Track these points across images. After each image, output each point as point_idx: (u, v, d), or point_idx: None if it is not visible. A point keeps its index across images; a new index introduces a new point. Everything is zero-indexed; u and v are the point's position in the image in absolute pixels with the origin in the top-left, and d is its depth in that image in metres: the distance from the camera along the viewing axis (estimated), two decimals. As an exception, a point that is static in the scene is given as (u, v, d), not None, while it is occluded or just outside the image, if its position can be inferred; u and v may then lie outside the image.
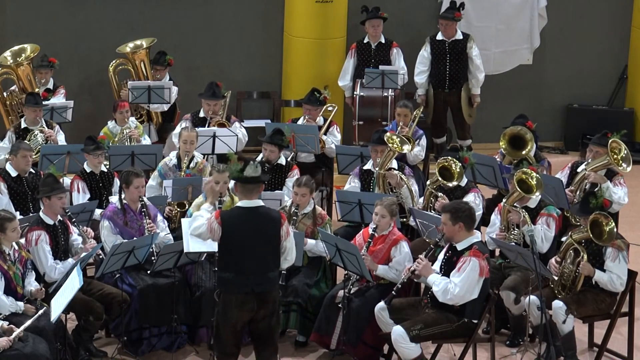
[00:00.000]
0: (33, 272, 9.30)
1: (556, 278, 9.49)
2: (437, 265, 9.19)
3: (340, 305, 9.54)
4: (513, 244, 9.76)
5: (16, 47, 13.35)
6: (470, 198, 10.36)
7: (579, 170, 10.93)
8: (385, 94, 13.66)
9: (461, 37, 13.77)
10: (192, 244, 9.20)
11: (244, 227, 8.33)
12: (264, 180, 8.63)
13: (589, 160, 10.89)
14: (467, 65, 13.82)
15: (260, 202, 8.47)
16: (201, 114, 12.46)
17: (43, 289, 9.17)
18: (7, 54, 13.26)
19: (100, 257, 9.65)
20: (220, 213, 8.42)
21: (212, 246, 8.72)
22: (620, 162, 10.65)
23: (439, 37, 13.81)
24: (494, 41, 14.96)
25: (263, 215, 8.41)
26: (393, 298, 9.27)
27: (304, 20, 14.47)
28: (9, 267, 8.98)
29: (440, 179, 10.47)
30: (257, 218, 8.38)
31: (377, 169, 10.98)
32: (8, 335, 8.48)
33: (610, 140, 10.62)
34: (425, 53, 13.90)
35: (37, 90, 12.94)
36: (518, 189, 9.87)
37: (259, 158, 11.46)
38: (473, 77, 13.87)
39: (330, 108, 12.77)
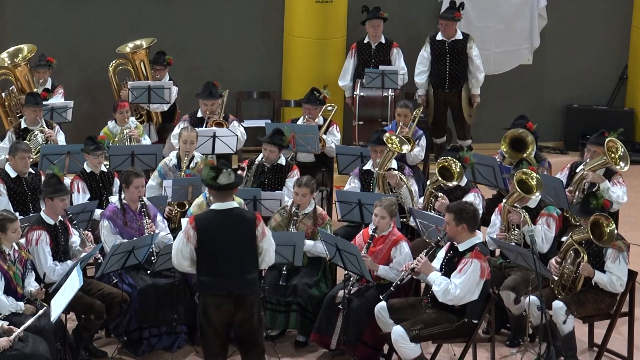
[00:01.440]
0: (33, 272, 9.30)
1: (556, 278, 9.49)
2: (437, 264, 9.19)
3: (340, 306, 9.54)
4: (513, 244, 9.76)
5: (12, 48, 13.34)
6: (470, 198, 10.36)
7: (577, 170, 10.94)
8: (385, 94, 13.66)
9: (461, 37, 13.77)
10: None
11: (218, 230, 8.31)
12: (238, 185, 8.59)
13: (587, 160, 10.90)
14: (467, 65, 13.82)
15: (234, 204, 8.44)
16: (199, 114, 12.45)
17: (43, 289, 9.17)
18: (4, 55, 13.25)
19: (99, 260, 9.65)
20: (195, 217, 8.39)
21: None
22: (618, 160, 10.65)
23: (439, 37, 13.81)
24: (494, 41, 14.96)
25: (236, 216, 8.38)
26: (391, 294, 9.27)
27: (304, 20, 14.47)
28: (9, 267, 8.98)
29: (440, 179, 10.46)
30: (230, 220, 8.35)
31: (376, 169, 10.97)
32: (8, 336, 8.48)
33: (607, 140, 10.62)
34: (425, 53, 13.90)
35: (35, 90, 12.93)
36: (518, 189, 9.87)
37: (259, 158, 11.46)
38: (473, 77, 13.86)
39: (329, 108, 12.77)
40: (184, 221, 9.56)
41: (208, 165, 8.61)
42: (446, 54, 13.77)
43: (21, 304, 8.98)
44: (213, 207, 8.45)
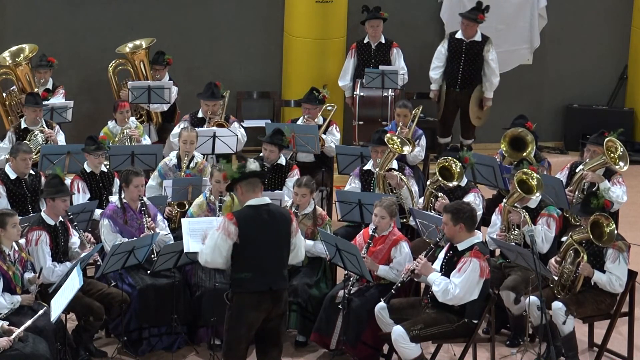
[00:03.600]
0: (32, 272, 9.29)
1: (556, 278, 9.49)
2: (437, 265, 9.20)
3: (340, 306, 9.54)
4: (513, 244, 9.76)
5: (14, 48, 13.34)
6: (470, 198, 10.36)
7: (577, 170, 10.94)
8: (385, 94, 13.66)
9: (480, 39, 13.79)
10: (192, 244, 9.21)
11: (259, 225, 8.20)
12: (265, 175, 8.51)
13: (587, 160, 10.90)
14: (482, 67, 13.83)
15: (268, 200, 8.37)
16: (200, 115, 12.46)
17: (38, 277, 9.15)
18: (6, 54, 13.25)
19: (98, 262, 9.64)
20: (234, 214, 8.24)
21: None
22: (617, 160, 10.66)
23: (458, 35, 13.82)
24: (494, 41, 14.95)
25: (274, 211, 8.31)
26: (392, 297, 9.27)
27: (304, 20, 14.47)
28: (9, 267, 8.98)
29: (440, 179, 10.46)
30: (269, 215, 8.26)
31: (377, 169, 10.97)
32: (8, 336, 8.48)
33: (606, 140, 10.62)
34: (442, 49, 13.93)
35: (36, 90, 12.93)
36: (518, 189, 9.87)
37: (259, 158, 11.48)
38: (487, 80, 13.90)
39: (329, 107, 12.78)
40: (184, 221, 9.56)
41: (230, 162, 8.53)
42: (462, 53, 13.78)
43: (17, 296, 8.96)
44: (249, 203, 8.25)
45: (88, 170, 10.97)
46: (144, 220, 10.00)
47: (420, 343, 9.00)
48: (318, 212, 10.31)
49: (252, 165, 8.31)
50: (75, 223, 9.76)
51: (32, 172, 10.90)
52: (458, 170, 10.50)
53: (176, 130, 12.18)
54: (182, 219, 9.85)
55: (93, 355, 9.67)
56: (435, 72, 13.96)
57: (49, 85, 13.29)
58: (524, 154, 11.11)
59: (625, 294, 9.49)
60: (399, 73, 13.71)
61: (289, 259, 8.42)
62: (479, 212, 10.17)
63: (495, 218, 10.15)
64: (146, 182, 10.83)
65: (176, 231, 10.50)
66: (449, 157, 10.57)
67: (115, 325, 9.78)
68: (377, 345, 9.66)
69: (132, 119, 12.50)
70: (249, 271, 8.20)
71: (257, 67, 15.01)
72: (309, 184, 10.22)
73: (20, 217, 9.74)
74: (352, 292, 9.58)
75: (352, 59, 14.08)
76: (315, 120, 12.46)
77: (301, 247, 8.47)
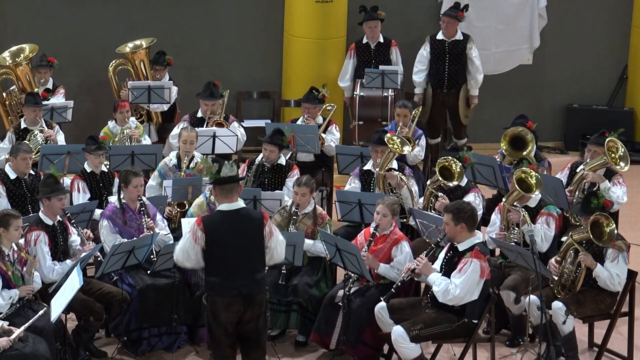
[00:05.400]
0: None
1: (556, 278, 9.49)
2: (437, 265, 9.20)
3: (340, 303, 9.53)
4: (513, 243, 9.76)
5: (15, 47, 13.35)
6: (470, 198, 10.36)
7: (577, 170, 10.94)
8: (385, 94, 13.66)
9: (461, 38, 13.77)
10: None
11: (227, 231, 8.29)
12: (241, 179, 8.57)
13: (588, 160, 10.90)
14: (467, 66, 13.82)
15: (241, 204, 8.44)
16: (199, 114, 12.46)
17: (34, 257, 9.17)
18: (6, 54, 13.25)
19: (99, 259, 9.66)
20: (202, 219, 8.37)
21: None
22: (618, 161, 10.66)
23: (439, 36, 13.81)
24: (494, 41, 14.96)
25: (244, 217, 8.38)
26: (392, 296, 9.27)
27: (304, 20, 14.47)
28: (8, 267, 8.98)
29: (440, 178, 10.47)
30: (238, 220, 8.34)
31: (377, 169, 10.97)
32: (8, 336, 8.49)
33: (607, 140, 10.63)
34: (424, 52, 13.89)
35: (36, 90, 12.93)
36: (518, 187, 9.87)
37: (259, 158, 11.46)
38: (472, 78, 13.86)
39: (329, 107, 12.79)
40: (184, 221, 9.56)
41: (209, 164, 8.60)
42: (445, 54, 13.76)
43: (14, 290, 8.96)
44: (220, 208, 8.40)
45: (88, 170, 10.97)
46: (144, 220, 10.00)
47: (420, 343, 9.00)
48: (318, 212, 10.31)
49: (227, 170, 8.34)
50: (73, 220, 9.76)
51: (32, 172, 10.90)
52: (458, 170, 10.50)
53: (175, 131, 12.18)
54: (182, 219, 9.85)
55: (93, 355, 9.68)
56: (419, 75, 13.92)
57: (49, 85, 13.30)
58: (524, 153, 11.11)
59: (625, 294, 9.49)
60: (399, 73, 13.71)
61: (264, 262, 8.45)
62: (479, 212, 10.17)
63: (495, 217, 10.15)
64: (146, 182, 10.82)
65: (176, 231, 10.50)
66: (449, 157, 10.57)
67: (115, 325, 9.78)
68: (377, 345, 9.66)
69: (132, 119, 12.50)
70: (218, 275, 8.31)
71: (257, 67, 15.01)
72: (308, 183, 10.23)
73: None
74: (352, 291, 9.58)
75: (352, 60, 14.07)
76: (315, 120, 12.46)
77: (276, 248, 8.47)
